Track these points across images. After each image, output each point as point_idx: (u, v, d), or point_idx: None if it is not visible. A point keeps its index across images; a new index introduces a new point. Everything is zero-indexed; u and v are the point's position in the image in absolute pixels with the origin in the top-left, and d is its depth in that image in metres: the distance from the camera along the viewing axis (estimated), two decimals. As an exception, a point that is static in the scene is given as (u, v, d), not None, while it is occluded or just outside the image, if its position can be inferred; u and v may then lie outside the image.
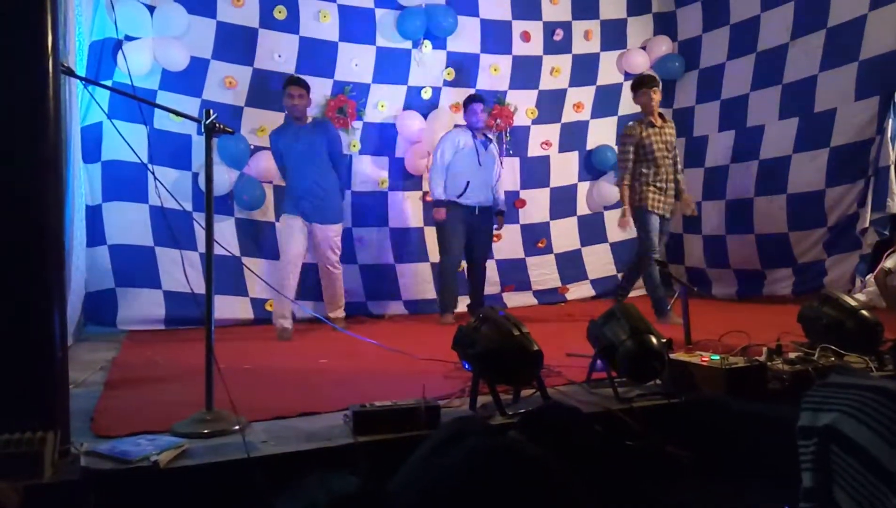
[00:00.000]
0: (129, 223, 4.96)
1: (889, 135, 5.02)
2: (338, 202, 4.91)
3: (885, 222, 5.10)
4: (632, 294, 6.43)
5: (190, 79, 5.13)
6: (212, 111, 2.47)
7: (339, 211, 4.91)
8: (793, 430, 1.53)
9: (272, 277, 5.11)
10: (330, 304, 4.92)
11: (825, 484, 1.33)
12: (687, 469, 2.34)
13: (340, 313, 4.93)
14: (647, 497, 2.24)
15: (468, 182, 5.17)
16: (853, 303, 3.26)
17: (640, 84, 5.10)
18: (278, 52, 5.41)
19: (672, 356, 2.88)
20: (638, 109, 6.58)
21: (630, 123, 5.10)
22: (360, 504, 1.10)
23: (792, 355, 3.07)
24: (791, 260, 5.69)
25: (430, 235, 5.94)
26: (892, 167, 5.03)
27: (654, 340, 2.73)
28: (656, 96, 5.02)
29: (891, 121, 5.01)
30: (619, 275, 6.36)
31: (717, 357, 2.83)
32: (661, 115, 5.09)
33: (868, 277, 5.03)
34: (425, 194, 5.96)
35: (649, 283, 4.98)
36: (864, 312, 3.19)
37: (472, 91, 6.00)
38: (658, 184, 4.96)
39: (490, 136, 5.54)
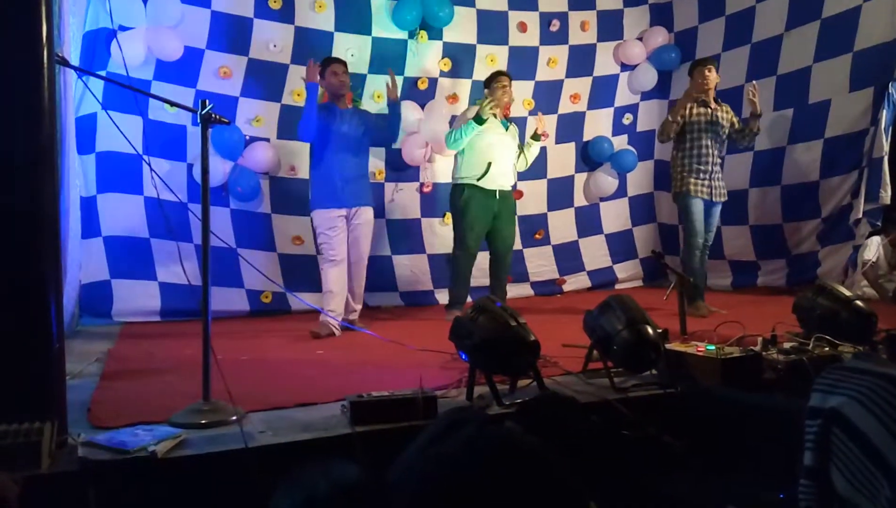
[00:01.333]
0: (124, 215, 4.94)
1: (883, 126, 5.04)
2: (370, 187, 4.78)
3: (877, 214, 5.13)
4: (626, 285, 6.49)
5: (184, 69, 5.10)
6: (207, 101, 2.46)
7: (371, 196, 4.76)
8: (787, 419, 1.54)
9: (268, 269, 5.12)
10: (349, 300, 4.61)
11: (824, 465, 1.34)
12: (681, 457, 2.35)
13: (356, 314, 4.68)
14: (642, 487, 2.26)
15: (490, 163, 4.84)
16: (847, 294, 3.29)
17: (697, 63, 5.06)
18: (273, 42, 5.37)
19: (668, 346, 2.89)
20: (634, 99, 6.67)
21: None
22: (362, 493, 1.11)
23: (787, 345, 3.10)
24: (785, 251, 5.71)
25: (428, 226, 5.94)
26: (886, 158, 5.05)
27: (649, 330, 2.74)
28: (711, 75, 4.92)
29: (885, 112, 5.02)
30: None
31: (713, 347, 2.85)
32: (716, 99, 5.02)
33: (856, 273, 5.06)
34: (423, 184, 5.95)
35: (686, 268, 4.78)
36: (858, 302, 3.22)
37: (468, 82, 6.00)
38: (700, 167, 4.86)
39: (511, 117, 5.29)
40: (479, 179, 4.84)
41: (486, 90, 5.04)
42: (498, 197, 4.92)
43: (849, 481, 1.27)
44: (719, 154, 4.96)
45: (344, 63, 4.72)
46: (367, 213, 4.64)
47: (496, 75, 5.07)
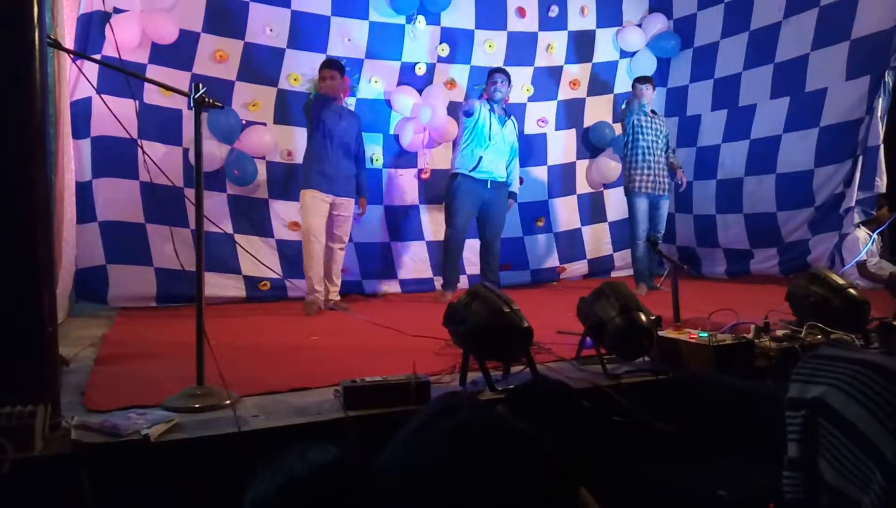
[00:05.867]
0: (119, 200, 4.93)
1: (879, 114, 5.03)
2: (354, 180, 5.01)
3: (871, 202, 5.14)
4: (622, 273, 6.51)
5: (180, 52, 5.07)
6: (201, 85, 2.45)
7: (354, 188, 5.01)
8: (778, 406, 1.55)
9: (264, 254, 5.13)
10: (327, 282, 4.93)
11: (810, 456, 1.35)
12: (672, 442, 2.37)
13: (336, 294, 4.94)
14: (633, 472, 2.27)
15: (480, 157, 5.14)
16: (841, 282, 3.29)
17: (639, 79, 5.79)
18: (270, 26, 5.35)
19: (661, 333, 2.90)
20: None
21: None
22: (341, 474, 1.11)
23: (779, 332, 3.10)
24: (778, 239, 5.72)
25: (426, 213, 5.93)
26: (882, 147, 5.04)
27: (643, 317, 2.74)
28: (648, 92, 5.65)
29: (881, 100, 5.02)
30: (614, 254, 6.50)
31: (706, 335, 2.86)
32: (653, 111, 5.73)
33: (847, 267, 5.08)
34: (420, 171, 5.94)
35: (633, 256, 5.66)
36: (851, 290, 3.22)
37: (466, 67, 5.98)
38: (647, 167, 5.53)
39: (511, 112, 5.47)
40: (470, 171, 5.17)
41: (486, 85, 5.31)
42: (489, 186, 5.21)
43: (838, 470, 1.27)
44: (661, 154, 5.62)
45: (332, 66, 4.89)
46: (349, 203, 4.95)
47: (494, 71, 5.33)
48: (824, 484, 1.30)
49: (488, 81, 5.26)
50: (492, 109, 5.21)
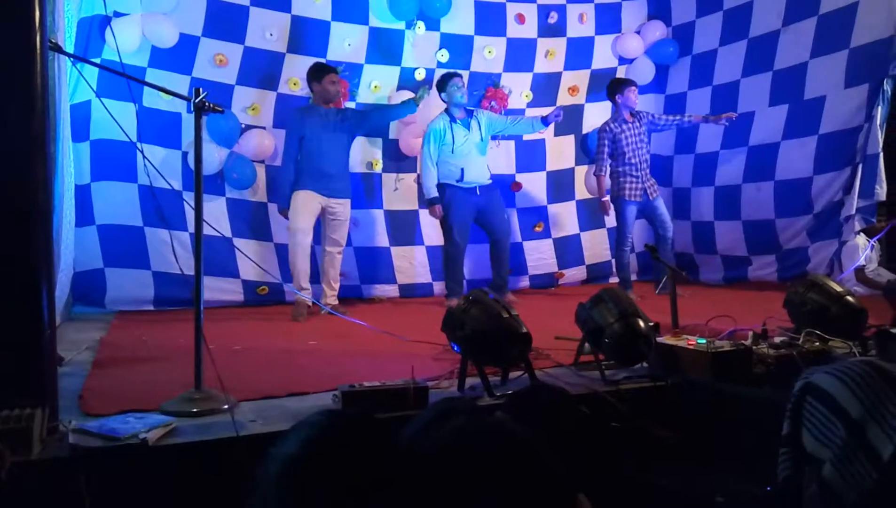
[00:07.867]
0: (117, 203, 4.93)
1: (878, 122, 5.04)
2: (350, 182, 5.04)
3: (871, 210, 5.14)
4: (614, 279, 6.50)
5: (180, 56, 5.08)
6: (201, 89, 2.46)
7: (350, 189, 5.03)
8: (775, 412, 1.57)
9: (263, 258, 5.13)
10: (324, 286, 4.93)
11: (796, 430, 1.44)
12: (671, 449, 2.37)
13: (333, 298, 4.93)
14: (631, 478, 2.27)
15: (462, 169, 5.18)
16: (839, 289, 3.30)
17: (623, 83, 5.63)
18: (270, 31, 5.36)
19: (659, 339, 2.90)
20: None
21: (604, 123, 5.59)
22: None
23: (777, 339, 3.11)
24: (776, 246, 5.72)
25: (426, 217, 5.92)
26: (881, 154, 5.06)
27: (641, 323, 2.75)
28: (632, 95, 5.52)
29: (880, 108, 5.03)
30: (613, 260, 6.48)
31: (704, 341, 2.86)
32: (632, 112, 5.57)
33: (846, 274, 5.09)
34: (419, 175, 5.95)
35: (618, 263, 5.69)
36: (849, 297, 3.23)
37: (466, 73, 5.98)
38: (633, 173, 5.47)
39: (472, 109, 5.43)
40: (457, 182, 5.20)
41: (441, 93, 5.23)
42: (479, 193, 5.26)
43: (814, 436, 1.37)
44: (645, 158, 5.56)
45: (338, 71, 5.00)
46: (345, 205, 4.95)
47: (451, 77, 5.24)
48: (806, 455, 1.39)
49: (448, 87, 5.15)
50: (452, 119, 5.18)
